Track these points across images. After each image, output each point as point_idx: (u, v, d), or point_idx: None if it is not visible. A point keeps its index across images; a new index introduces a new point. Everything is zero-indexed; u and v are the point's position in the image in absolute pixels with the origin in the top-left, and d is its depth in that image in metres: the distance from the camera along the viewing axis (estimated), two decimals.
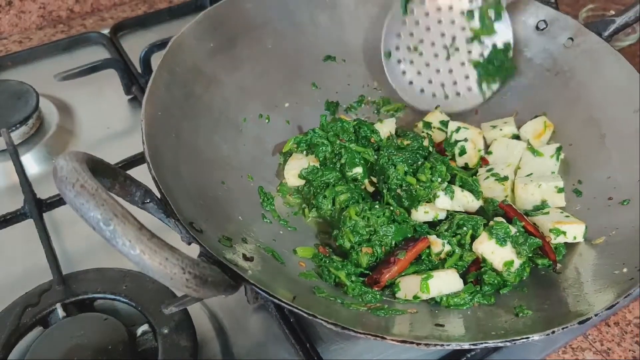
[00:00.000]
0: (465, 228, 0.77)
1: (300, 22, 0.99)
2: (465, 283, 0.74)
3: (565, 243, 0.77)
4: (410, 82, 0.98)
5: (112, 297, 0.78)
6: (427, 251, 0.77)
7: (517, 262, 0.74)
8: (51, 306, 0.76)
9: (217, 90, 0.87)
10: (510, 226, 0.75)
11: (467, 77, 0.96)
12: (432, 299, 0.72)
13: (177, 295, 0.75)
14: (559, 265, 0.75)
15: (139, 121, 0.71)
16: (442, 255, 0.77)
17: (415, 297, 0.72)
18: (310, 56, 1.00)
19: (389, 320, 0.66)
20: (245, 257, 0.67)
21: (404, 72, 0.98)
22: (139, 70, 1.17)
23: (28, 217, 0.87)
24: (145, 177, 0.66)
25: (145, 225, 0.48)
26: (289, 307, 0.57)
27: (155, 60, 1.13)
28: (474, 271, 0.76)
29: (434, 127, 0.94)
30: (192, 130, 0.80)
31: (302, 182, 0.88)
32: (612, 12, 1.23)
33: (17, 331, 0.73)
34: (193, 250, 0.61)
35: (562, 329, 0.58)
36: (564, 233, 0.76)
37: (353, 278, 0.74)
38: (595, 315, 0.60)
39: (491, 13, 0.92)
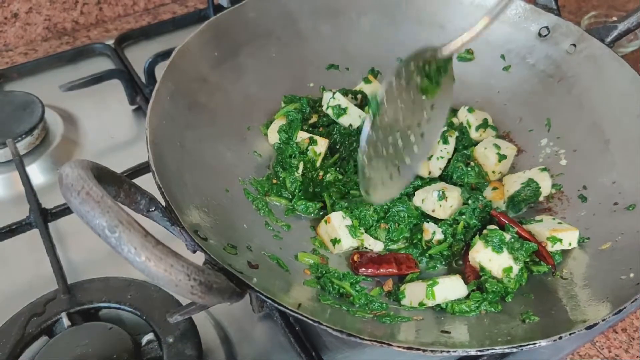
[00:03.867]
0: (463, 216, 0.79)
1: (304, 31, 1.00)
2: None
3: (563, 250, 0.78)
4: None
5: (117, 306, 0.77)
6: (419, 236, 0.81)
7: (516, 268, 0.74)
8: (56, 315, 0.76)
9: (221, 99, 0.88)
10: (504, 233, 0.76)
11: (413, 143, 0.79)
12: (438, 305, 0.71)
13: (182, 304, 0.75)
14: (564, 271, 0.75)
15: (143, 131, 0.72)
16: (434, 242, 0.80)
17: (421, 304, 0.71)
18: (314, 65, 1.01)
19: (395, 327, 0.65)
20: (250, 265, 0.67)
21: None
22: (143, 81, 1.17)
23: (33, 227, 0.88)
24: (150, 186, 0.66)
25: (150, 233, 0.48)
26: (295, 315, 0.57)
27: (160, 70, 1.13)
28: (474, 279, 0.76)
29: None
30: (196, 138, 0.81)
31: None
32: (615, 19, 1.24)
33: (23, 341, 0.72)
34: (198, 259, 0.61)
35: (570, 334, 0.58)
36: (561, 240, 0.77)
37: (357, 287, 0.74)
38: (603, 320, 0.59)
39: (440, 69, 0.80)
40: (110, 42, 1.32)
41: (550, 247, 0.77)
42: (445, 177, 0.89)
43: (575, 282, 0.72)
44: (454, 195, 0.81)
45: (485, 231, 0.77)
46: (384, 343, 0.56)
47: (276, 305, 0.58)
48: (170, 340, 0.72)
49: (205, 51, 0.88)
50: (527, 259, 0.75)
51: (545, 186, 0.84)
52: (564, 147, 0.90)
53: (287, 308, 0.58)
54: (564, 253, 0.78)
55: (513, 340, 0.60)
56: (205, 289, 0.49)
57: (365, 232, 0.81)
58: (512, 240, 0.75)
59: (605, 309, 0.62)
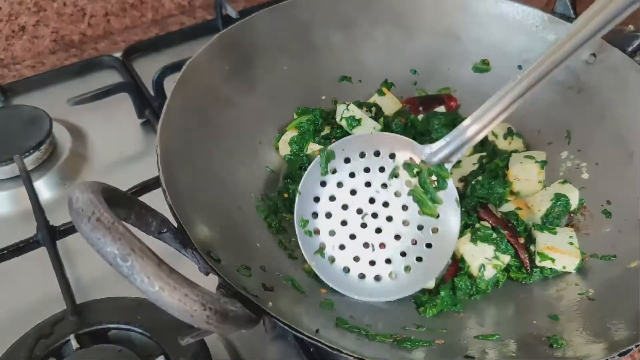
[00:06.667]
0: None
1: (315, 43, 0.98)
2: (437, 291, 0.74)
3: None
4: (332, 259, 0.74)
5: (127, 327, 0.76)
6: None
7: (491, 269, 0.74)
8: (65, 337, 0.74)
9: (233, 114, 0.86)
10: (493, 232, 0.76)
11: (403, 254, 0.74)
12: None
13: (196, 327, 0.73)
14: (591, 291, 0.72)
15: (151, 145, 0.70)
16: None
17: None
18: (326, 77, 0.99)
19: (416, 352, 0.63)
20: (265, 287, 0.65)
21: (322, 246, 0.74)
22: (152, 94, 1.16)
23: (41, 245, 0.86)
24: (159, 202, 0.64)
25: (160, 254, 0.46)
26: (313, 341, 0.55)
27: (168, 83, 1.13)
28: (450, 278, 0.75)
29: None
30: (208, 154, 0.79)
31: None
32: (631, 27, 1.21)
33: None
34: (211, 280, 0.59)
35: None
36: (552, 260, 0.75)
37: None
38: (636, 346, 0.57)
39: (433, 179, 0.74)
40: (118, 54, 1.31)
41: (538, 262, 0.76)
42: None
43: (603, 303, 0.69)
44: None
45: (477, 225, 0.77)
46: None
47: (293, 331, 0.55)
48: None
49: (216, 65, 0.86)
50: (512, 262, 0.76)
51: (574, 197, 0.81)
52: (585, 160, 0.87)
53: (305, 334, 0.55)
54: (589, 272, 0.75)
55: None
56: (220, 318, 0.47)
57: None
58: (499, 239, 0.75)
59: (637, 333, 0.59)
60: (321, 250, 0.74)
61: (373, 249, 0.73)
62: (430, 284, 0.75)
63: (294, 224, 0.75)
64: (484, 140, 0.93)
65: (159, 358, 0.72)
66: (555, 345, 0.63)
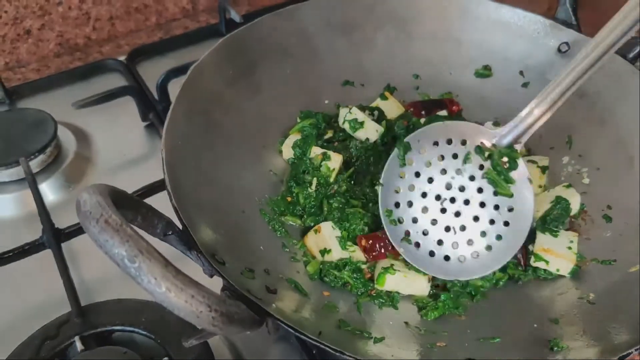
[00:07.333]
0: None
1: (319, 47, 0.99)
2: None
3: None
4: (417, 245, 0.78)
5: (131, 329, 0.76)
6: None
7: None
8: (69, 339, 0.75)
9: (237, 118, 0.86)
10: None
11: (483, 234, 0.77)
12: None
13: (197, 327, 0.73)
14: (591, 295, 0.72)
15: (155, 148, 0.71)
16: None
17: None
18: (329, 81, 0.99)
19: (418, 354, 0.63)
20: (268, 290, 0.65)
21: (407, 233, 0.79)
22: (156, 97, 1.16)
23: (46, 248, 0.86)
24: (163, 203, 0.65)
25: (164, 254, 0.47)
26: (315, 343, 0.56)
27: (172, 86, 1.13)
28: None
29: None
30: (212, 158, 0.79)
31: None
32: (633, 34, 1.22)
33: None
34: (215, 282, 0.60)
35: None
36: (546, 262, 0.76)
37: (355, 275, 0.75)
38: (635, 350, 0.57)
39: (504, 160, 0.77)
40: (123, 57, 1.32)
41: (532, 262, 0.77)
42: None
43: (603, 307, 0.69)
44: None
45: None
46: None
47: (296, 333, 0.56)
48: None
49: (221, 69, 0.86)
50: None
51: (575, 202, 0.82)
52: (586, 165, 0.88)
53: (308, 336, 0.56)
54: (589, 276, 0.75)
55: None
56: (226, 320, 0.47)
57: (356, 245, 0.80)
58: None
59: (637, 337, 0.60)
60: (407, 237, 0.78)
61: (455, 232, 0.77)
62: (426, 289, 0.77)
63: (380, 216, 0.79)
64: None
65: None
66: (555, 348, 0.64)
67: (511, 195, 0.76)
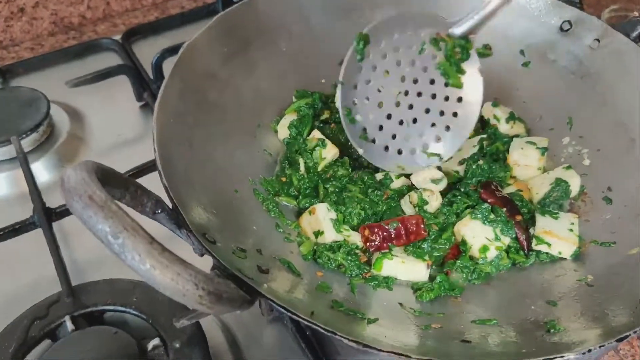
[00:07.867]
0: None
1: (315, 26, 0.97)
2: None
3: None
4: (373, 141, 0.80)
5: (122, 309, 0.75)
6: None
7: (494, 250, 0.75)
8: (60, 319, 0.74)
9: (231, 96, 0.85)
10: (492, 212, 0.76)
11: (433, 125, 0.80)
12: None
13: (189, 308, 0.72)
14: (590, 277, 0.71)
15: (150, 128, 0.69)
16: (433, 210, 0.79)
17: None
18: (326, 60, 0.96)
19: (413, 335, 0.62)
20: (260, 269, 0.64)
21: (364, 130, 0.80)
22: (151, 77, 1.15)
23: (37, 227, 0.85)
24: (157, 185, 0.63)
25: (155, 236, 0.45)
26: (308, 324, 0.55)
27: (167, 66, 1.11)
28: (452, 259, 0.76)
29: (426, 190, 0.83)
30: (205, 137, 0.78)
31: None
32: (636, 13, 1.20)
33: (25, 344, 0.70)
34: (206, 262, 0.59)
35: (599, 347, 0.54)
36: (548, 245, 0.75)
37: (349, 258, 0.74)
38: (634, 332, 0.56)
39: (457, 50, 0.77)
40: (118, 37, 1.30)
41: (534, 245, 0.76)
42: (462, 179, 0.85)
43: (601, 289, 0.68)
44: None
45: (477, 207, 0.78)
46: (403, 355, 0.53)
47: (288, 313, 0.55)
48: (177, 345, 0.70)
49: (215, 47, 0.85)
50: (512, 244, 0.76)
51: (575, 184, 0.81)
52: (587, 147, 0.86)
53: (300, 317, 0.55)
54: (588, 258, 0.74)
55: (538, 352, 0.57)
56: (214, 298, 0.46)
57: (352, 229, 0.78)
58: (498, 219, 0.75)
59: (636, 319, 0.59)
60: (364, 134, 0.80)
61: (408, 125, 0.79)
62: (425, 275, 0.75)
63: (340, 117, 0.79)
64: (485, 123, 0.92)
65: (154, 340, 0.71)
66: (552, 330, 0.63)
67: (461, 86, 0.77)
